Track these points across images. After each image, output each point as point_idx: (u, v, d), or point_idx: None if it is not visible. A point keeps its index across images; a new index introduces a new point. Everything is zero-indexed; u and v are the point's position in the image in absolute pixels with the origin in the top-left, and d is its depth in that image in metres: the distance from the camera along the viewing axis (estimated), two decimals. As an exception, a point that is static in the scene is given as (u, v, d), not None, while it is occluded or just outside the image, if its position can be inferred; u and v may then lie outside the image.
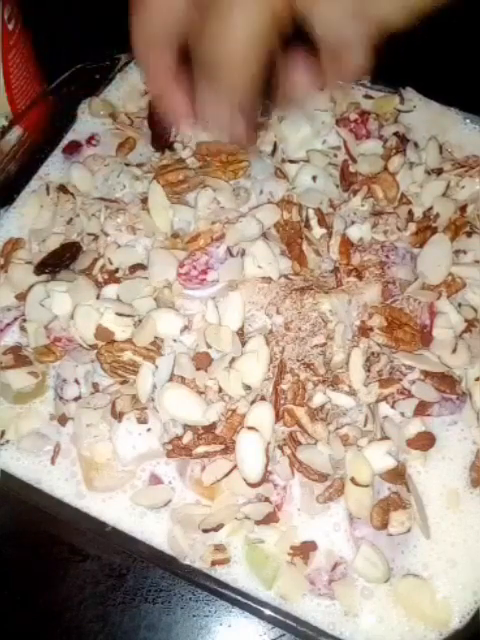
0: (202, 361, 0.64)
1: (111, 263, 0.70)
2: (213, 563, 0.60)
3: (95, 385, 0.66)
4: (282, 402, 0.62)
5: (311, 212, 0.71)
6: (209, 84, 0.47)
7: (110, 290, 0.67)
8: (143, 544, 0.61)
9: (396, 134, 0.77)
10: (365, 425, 0.62)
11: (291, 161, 0.75)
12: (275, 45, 0.44)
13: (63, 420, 0.65)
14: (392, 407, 0.63)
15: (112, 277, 0.69)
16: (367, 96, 0.82)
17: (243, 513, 0.60)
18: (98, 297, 0.66)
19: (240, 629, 0.65)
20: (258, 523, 0.60)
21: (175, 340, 0.65)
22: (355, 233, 0.69)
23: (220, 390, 0.63)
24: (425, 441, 0.61)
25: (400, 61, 0.89)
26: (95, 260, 0.70)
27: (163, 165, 0.75)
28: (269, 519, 0.60)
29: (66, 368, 0.67)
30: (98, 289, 0.67)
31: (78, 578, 0.67)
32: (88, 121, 0.83)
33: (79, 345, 0.66)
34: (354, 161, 0.75)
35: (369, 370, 0.63)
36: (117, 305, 0.65)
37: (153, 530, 0.62)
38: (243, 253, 0.67)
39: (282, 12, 0.41)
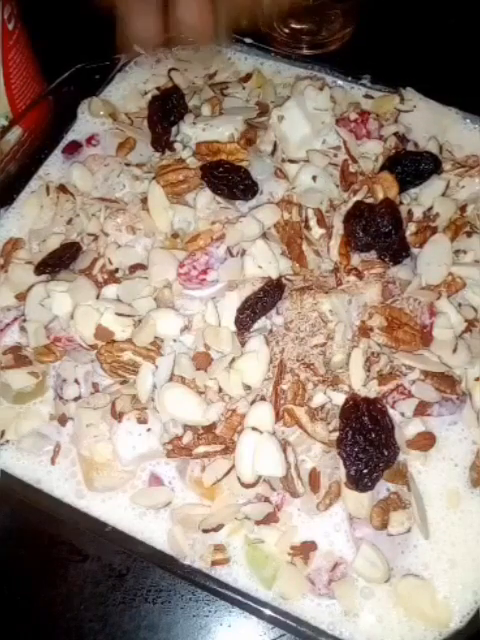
0: (202, 361, 0.64)
1: (111, 263, 0.70)
2: (213, 563, 0.60)
3: (95, 385, 0.66)
4: (282, 402, 0.62)
5: (311, 212, 0.71)
6: None
7: (110, 290, 0.67)
8: (143, 544, 0.61)
9: (396, 134, 0.77)
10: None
11: (291, 161, 0.75)
12: None
13: (63, 420, 0.66)
14: (392, 407, 0.63)
15: (112, 277, 0.69)
16: (367, 96, 0.82)
17: (243, 513, 0.60)
18: (98, 297, 0.66)
19: (240, 629, 0.65)
20: (258, 523, 0.60)
21: (175, 340, 0.65)
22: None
23: (220, 390, 0.63)
24: (425, 441, 0.61)
25: (400, 61, 0.89)
26: (95, 260, 0.70)
27: (163, 165, 0.75)
28: (269, 519, 0.60)
29: (66, 368, 0.67)
30: (98, 289, 0.67)
31: (78, 578, 0.67)
32: (88, 121, 0.83)
33: (79, 345, 0.66)
34: (354, 161, 0.75)
35: (369, 370, 0.63)
36: (117, 305, 0.65)
37: (153, 530, 0.62)
38: (243, 253, 0.68)
39: None
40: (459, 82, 0.86)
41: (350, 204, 0.70)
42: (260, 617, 0.59)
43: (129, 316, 0.65)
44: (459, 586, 0.59)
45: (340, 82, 0.84)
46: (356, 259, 0.69)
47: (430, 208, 0.72)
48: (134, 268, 0.69)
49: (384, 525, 0.59)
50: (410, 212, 0.72)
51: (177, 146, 0.77)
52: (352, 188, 0.73)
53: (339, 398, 0.62)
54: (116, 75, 0.86)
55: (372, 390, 0.62)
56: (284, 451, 0.60)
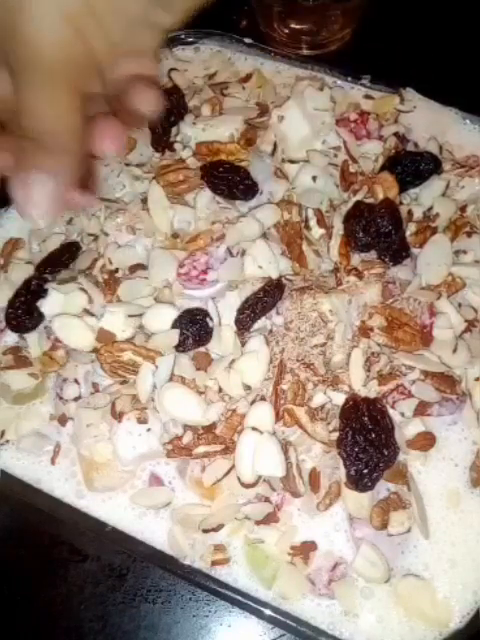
0: (202, 361, 0.64)
1: (111, 263, 0.70)
2: (213, 563, 0.60)
3: (95, 385, 0.66)
4: (282, 402, 0.62)
5: (311, 212, 0.71)
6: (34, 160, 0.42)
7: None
8: (143, 544, 0.61)
9: (396, 134, 0.77)
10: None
11: (291, 161, 0.75)
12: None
13: (63, 420, 0.66)
14: (392, 407, 0.63)
15: (112, 277, 0.69)
16: (367, 96, 0.82)
17: (243, 513, 0.60)
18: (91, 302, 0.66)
19: (240, 629, 0.65)
20: (258, 523, 0.60)
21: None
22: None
23: (220, 390, 0.63)
24: (425, 441, 0.61)
25: (400, 61, 0.89)
26: (95, 260, 0.70)
27: (163, 165, 0.75)
28: (269, 519, 0.60)
29: (66, 368, 0.67)
30: (88, 294, 0.67)
31: (78, 578, 0.67)
32: (88, 121, 0.83)
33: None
34: (354, 161, 0.75)
35: (369, 370, 0.63)
36: (122, 307, 0.65)
37: (153, 530, 0.62)
38: (243, 253, 0.68)
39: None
40: (459, 82, 0.86)
41: (350, 204, 0.70)
42: (260, 617, 0.59)
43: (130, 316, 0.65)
44: (459, 586, 0.59)
45: (340, 82, 0.84)
46: (356, 259, 0.69)
47: (430, 208, 0.72)
48: (134, 268, 0.69)
49: (384, 525, 0.59)
50: (410, 212, 0.72)
51: (177, 146, 0.77)
52: (352, 188, 0.73)
53: (339, 398, 0.62)
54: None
55: (372, 390, 0.62)
56: (286, 451, 0.60)
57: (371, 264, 0.68)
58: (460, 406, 0.64)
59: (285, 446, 0.61)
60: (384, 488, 0.61)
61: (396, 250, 0.68)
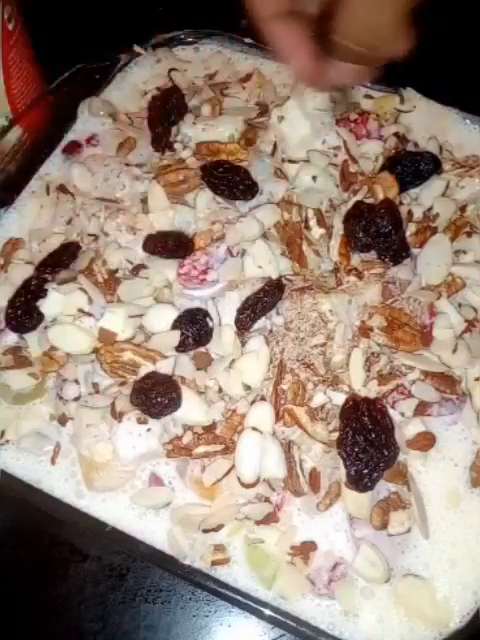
0: (202, 361, 0.64)
1: (106, 263, 0.70)
2: (213, 563, 0.60)
3: (95, 385, 0.66)
4: (282, 402, 0.62)
5: (311, 212, 0.71)
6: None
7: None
8: (143, 544, 0.61)
9: (396, 134, 0.77)
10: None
11: (291, 161, 0.75)
12: None
13: (63, 420, 0.65)
14: (392, 407, 0.63)
15: (112, 277, 0.69)
16: (367, 96, 0.82)
17: (243, 513, 0.60)
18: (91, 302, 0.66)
19: (240, 629, 0.65)
20: (258, 523, 0.60)
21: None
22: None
23: (220, 390, 0.63)
24: (425, 441, 0.61)
25: (400, 61, 0.89)
26: (94, 260, 0.70)
27: (163, 165, 0.75)
28: (269, 519, 0.60)
29: (66, 368, 0.67)
30: (88, 294, 0.67)
31: (78, 578, 0.67)
32: (88, 121, 0.83)
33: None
34: (354, 161, 0.75)
35: (369, 370, 0.63)
36: (121, 307, 0.65)
37: (153, 530, 0.62)
38: (243, 253, 0.68)
39: None
40: (459, 82, 0.86)
41: (350, 204, 0.70)
42: (260, 617, 0.59)
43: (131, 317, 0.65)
44: (459, 586, 0.59)
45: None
46: (356, 259, 0.69)
47: (430, 208, 0.72)
48: (135, 268, 0.69)
49: (384, 525, 0.59)
50: (410, 212, 0.72)
51: (177, 146, 0.77)
52: (352, 188, 0.73)
53: (339, 398, 0.62)
54: (116, 75, 0.86)
55: (372, 390, 0.62)
56: (288, 450, 0.60)
57: (371, 264, 0.68)
58: (460, 406, 0.64)
59: (288, 445, 0.61)
60: (384, 488, 0.61)
61: (396, 250, 0.68)
